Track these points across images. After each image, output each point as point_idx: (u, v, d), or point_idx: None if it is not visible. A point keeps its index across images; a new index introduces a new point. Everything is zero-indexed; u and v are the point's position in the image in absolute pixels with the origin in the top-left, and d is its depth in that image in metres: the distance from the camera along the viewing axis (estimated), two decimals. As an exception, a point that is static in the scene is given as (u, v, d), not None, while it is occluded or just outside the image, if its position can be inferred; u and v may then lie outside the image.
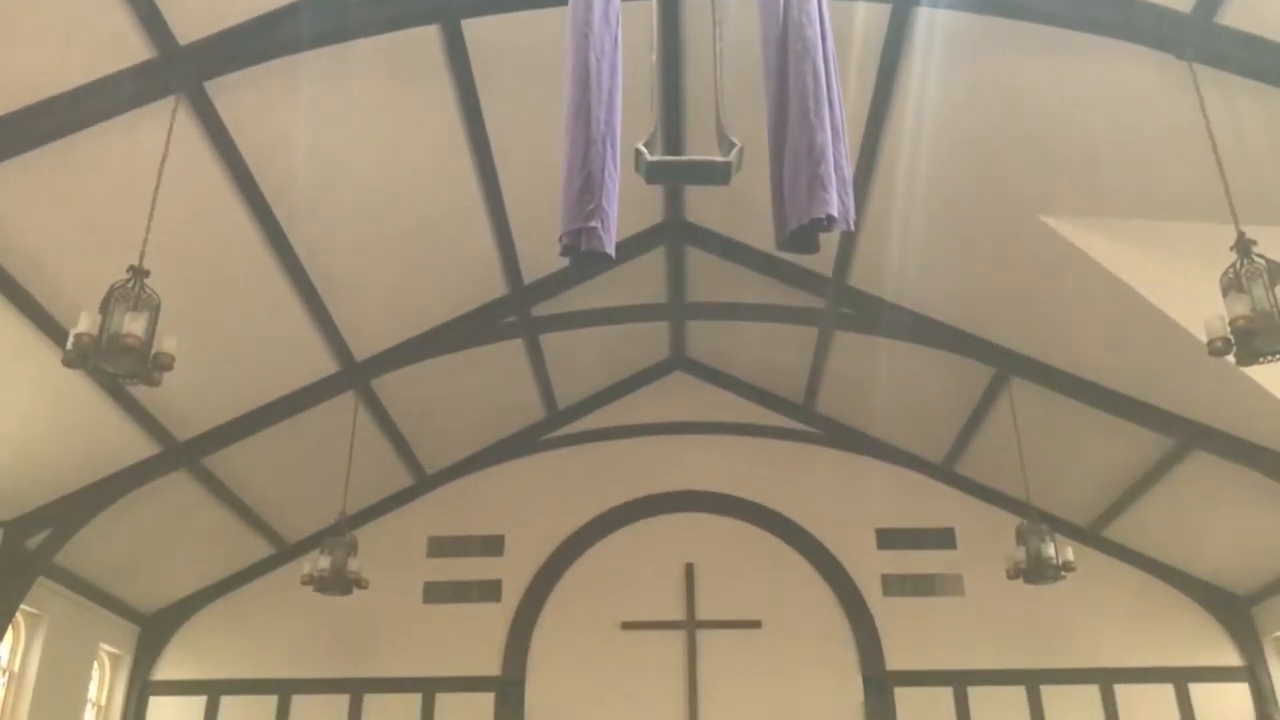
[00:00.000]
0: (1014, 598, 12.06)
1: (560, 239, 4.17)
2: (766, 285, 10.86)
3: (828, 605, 12.72)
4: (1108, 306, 9.02)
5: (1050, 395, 10.58)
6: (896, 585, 12.77)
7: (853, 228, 4.13)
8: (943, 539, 13.06)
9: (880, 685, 12.21)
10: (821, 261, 10.42)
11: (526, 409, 13.26)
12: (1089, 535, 12.59)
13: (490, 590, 12.81)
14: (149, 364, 6.31)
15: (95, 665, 11.93)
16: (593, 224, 4.11)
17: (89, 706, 11.76)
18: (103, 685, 12.13)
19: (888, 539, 12.99)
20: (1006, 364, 10.61)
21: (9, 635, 10.35)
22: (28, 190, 7.42)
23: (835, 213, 3.95)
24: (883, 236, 9.64)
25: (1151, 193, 8.19)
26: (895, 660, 12.37)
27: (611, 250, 4.19)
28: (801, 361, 12.57)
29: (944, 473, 13.13)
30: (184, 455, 10.38)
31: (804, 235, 4.04)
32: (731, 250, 10.90)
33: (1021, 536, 10.25)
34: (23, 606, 10.21)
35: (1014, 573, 10.16)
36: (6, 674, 10.59)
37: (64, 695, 11.19)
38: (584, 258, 4.19)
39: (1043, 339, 10.18)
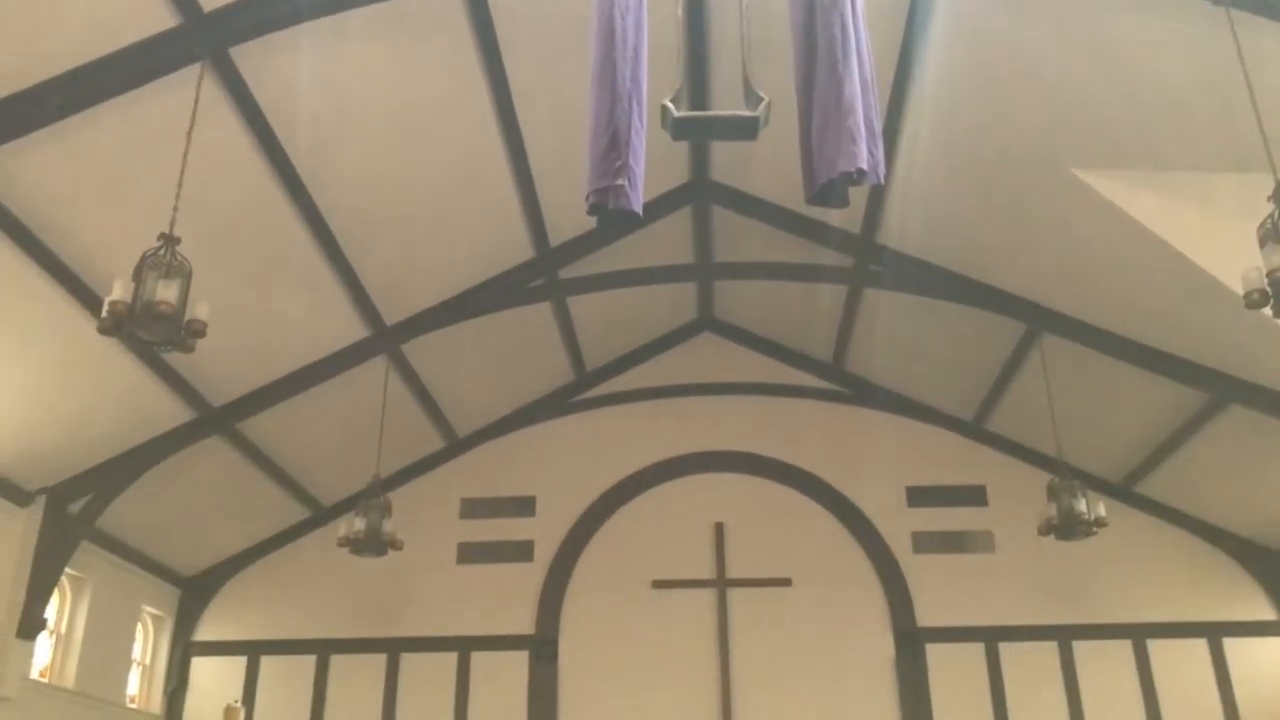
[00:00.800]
0: (1045, 554, 12.05)
1: (587, 198, 4.17)
2: (794, 244, 10.79)
3: (858, 563, 12.74)
4: (1141, 260, 8.90)
5: (1082, 350, 10.49)
6: (927, 542, 12.78)
7: (883, 181, 4.10)
8: (973, 496, 13.03)
9: (911, 641, 12.25)
10: (850, 219, 10.34)
11: (555, 371, 13.31)
12: (1121, 491, 12.51)
13: (523, 550, 12.94)
14: (182, 331, 6.38)
15: (139, 626, 12.19)
16: (620, 182, 4.11)
17: (134, 666, 12.03)
18: (146, 646, 12.39)
19: (918, 497, 12.98)
20: (1038, 319, 10.52)
21: (55, 598, 10.58)
22: (59, 161, 7.47)
23: (865, 166, 3.92)
24: (912, 192, 9.55)
25: (1187, 143, 8.05)
26: (926, 617, 12.40)
27: (639, 208, 4.18)
28: (830, 320, 12.52)
29: (974, 430, 13.07)
30: (219, 421, 10.50)
31: (833, 189, 4.02)
32: (758, 209, 10.85)
33: (1053, 493, 10.21)
34: (67, 570, 10.44)
35: (1045, 529, 10.13)
36: (54, 635, 10.84)
37: (110, 655, 11.46)
38: (611, 216, 4.19)
39: (1075, 294, 10.08)
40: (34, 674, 10.55)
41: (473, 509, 13.21)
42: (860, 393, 13.48)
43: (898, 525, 12.92)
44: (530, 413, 13.62)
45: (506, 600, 12.67)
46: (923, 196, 9.57)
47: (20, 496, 9.92)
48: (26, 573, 9.86)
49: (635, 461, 13.25)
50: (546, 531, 13.00)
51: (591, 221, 4.41)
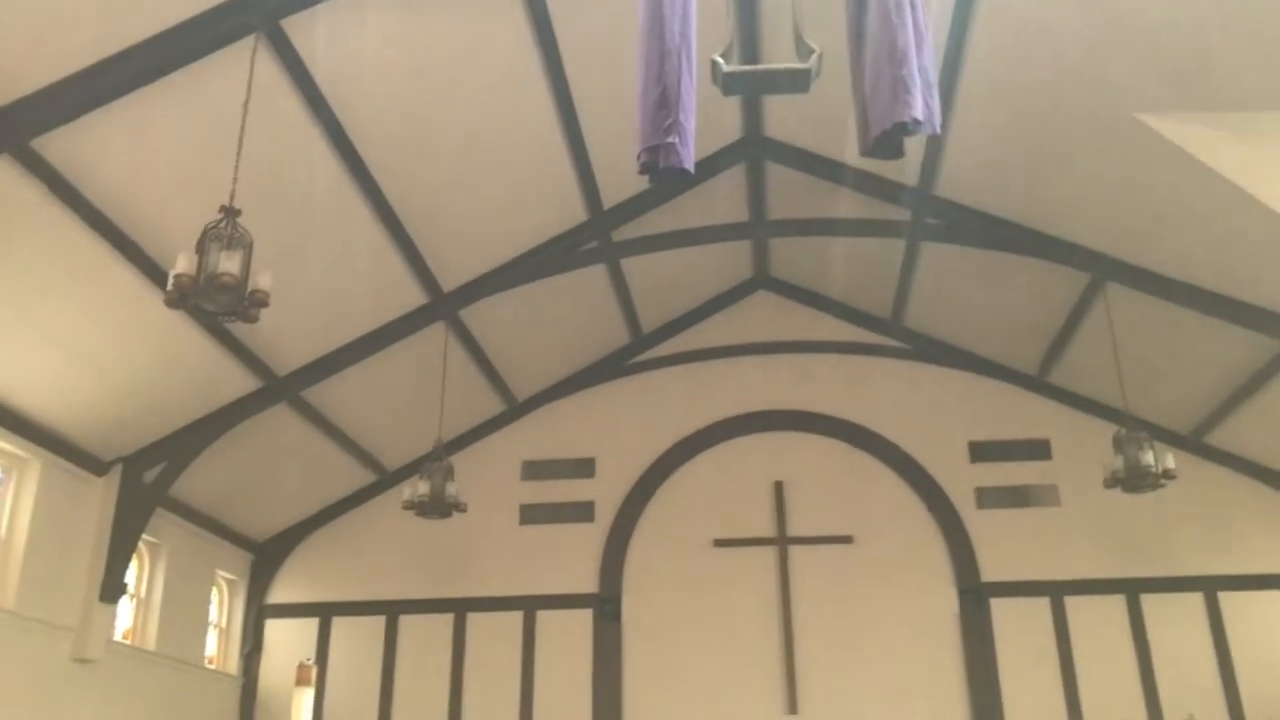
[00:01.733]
0: (1112, 507, 11.88)
1: (638, 157, 4.15)
2: (850, 199, 10.64)
3: (920, 519, 12.68)
4: (1209, 204, 8.65)
5: (1148, 299, 10.24)
6: (991, 498, 12.66)
7: (939, 130, 4.02)
8: (1037, 450, 12.86)
9: (976, 596, 12.19)
10: (906, 171, 10.17)
11: (612, 334, 13.33)
12: (1190, 442, 12.25)
13: (584, 511, 13.07)
14: (245, 301, 6.49)
15: (214, 590, 12.56)
16: (670, 139, 4.08)
17: (211, 629, 12.42)
18: (222, 609, 12.77)
19: (981, 451, 12.85)
20: (1102, 269, 10.28)
21: (134, 563, 10.93)
22: (121, 138, 7.61)
23: (920, 115, 3.84)
24: (969, 142, 9.36)
25: (1255, 84, 7.78)
26: (990, 572, 12.32)
27: (690, 165, 4.15)
28: (888, 275, 12.36)
29: (1038, 383, 12.87)
30: (284, 389, 10.70)
31: (889, 140, 3.95)
32: (813, 164, 10.70)
33: (1119, 445, 10.03)
34: (144, 536, 10.78)
35: (1111, 482, 9.97)
36: (135, 599, 11.22)
37: (187, 618, 11.84)
38: (663, 175, 4.17)
39: (1140, 242, 9.83)
40: (117, 636, 10.96)
41: (533, 471, 13.35)
42: (920, 348, 13.33)
43: (960, 480, 12.81)
44: (588, 375, 13.67)
45: (569, 560, 12.83)
46: (981, 146, 9.38)
47: (97, 466, 10.25)
48: (106, 539, 10.22)
49: (693, 422, 13.28)
50: (607, 492, 13.09)
51: (644, 182, 4.38)
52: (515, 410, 13.57)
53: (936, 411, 13.10)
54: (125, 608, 11.21)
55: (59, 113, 7.16)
